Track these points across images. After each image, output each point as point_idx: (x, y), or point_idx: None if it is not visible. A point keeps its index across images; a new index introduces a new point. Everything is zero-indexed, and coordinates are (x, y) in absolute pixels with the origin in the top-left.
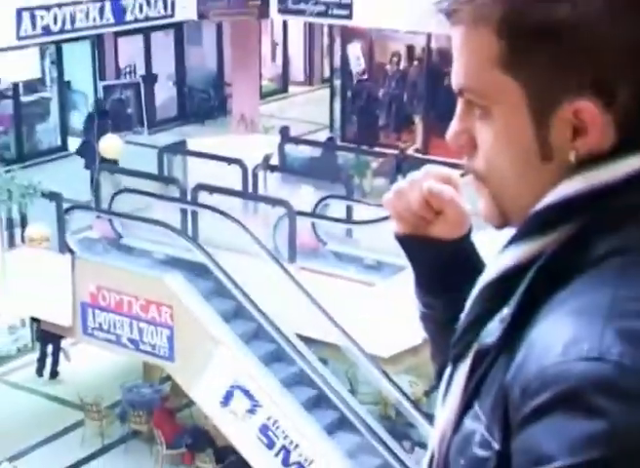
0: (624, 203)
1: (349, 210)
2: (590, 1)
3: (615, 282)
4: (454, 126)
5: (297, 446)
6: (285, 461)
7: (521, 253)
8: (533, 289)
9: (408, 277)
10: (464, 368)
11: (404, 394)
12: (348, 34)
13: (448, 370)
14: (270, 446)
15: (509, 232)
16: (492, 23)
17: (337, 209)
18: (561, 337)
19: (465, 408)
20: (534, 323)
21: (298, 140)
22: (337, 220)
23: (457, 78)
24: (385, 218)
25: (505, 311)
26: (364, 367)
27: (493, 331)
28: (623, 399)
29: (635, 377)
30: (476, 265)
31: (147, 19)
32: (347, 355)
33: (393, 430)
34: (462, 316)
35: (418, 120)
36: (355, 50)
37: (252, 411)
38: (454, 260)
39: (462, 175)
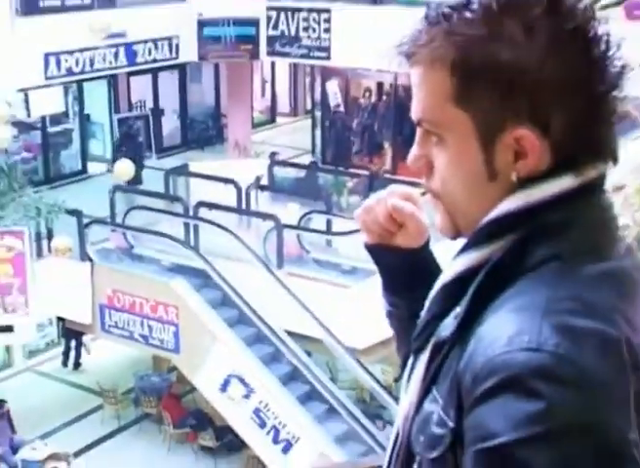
0: (557, 216)
1: (329, 223)
2: (528, 47)
3: (550, 283)
4: (413, 151)
5: (285, 425)
6: (275, 438)
7: (471, 260)
8: (481, 290)
9: (377, 280)
10: (424, 358)
11: (377, 381)
12: (327, 73)
13: (410, 361)
14: (262, 425)
15: (462, 242)
16: (445, 64)
17: (318, 222)
18: (505, 331)
19: (425, 392)
20: (482, 319)
21: (284, 163)
22: (318, 232)
23: (416, 111)
24: (358, 231)
25: (458, 309)
26: (342, 357)
27: (448, 326)
28: (558, 383)
29: (568, 365)
30: (434, 270)
31: (155, 60)
32: (328, 347)
33: (367, 411)
34: (422, 313)
35: (387, 146)
36: (333, 86)
37: (247, 397)
38: (415, 266)
39: (423, 194)
